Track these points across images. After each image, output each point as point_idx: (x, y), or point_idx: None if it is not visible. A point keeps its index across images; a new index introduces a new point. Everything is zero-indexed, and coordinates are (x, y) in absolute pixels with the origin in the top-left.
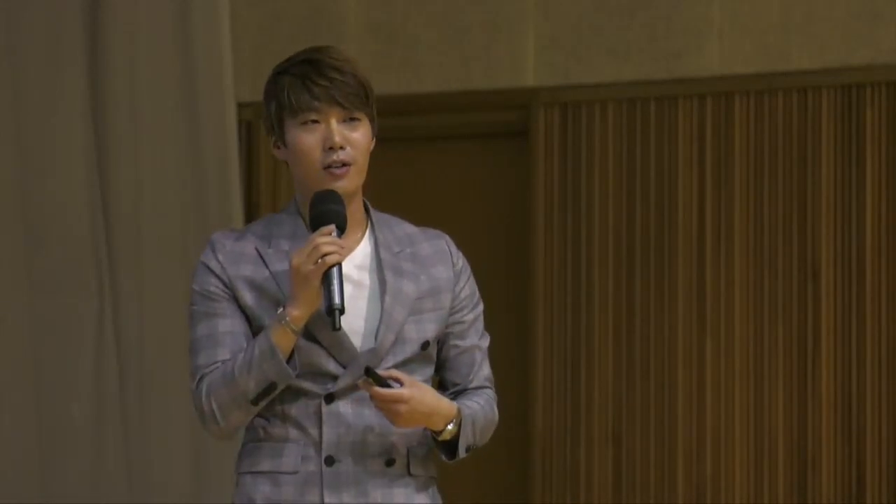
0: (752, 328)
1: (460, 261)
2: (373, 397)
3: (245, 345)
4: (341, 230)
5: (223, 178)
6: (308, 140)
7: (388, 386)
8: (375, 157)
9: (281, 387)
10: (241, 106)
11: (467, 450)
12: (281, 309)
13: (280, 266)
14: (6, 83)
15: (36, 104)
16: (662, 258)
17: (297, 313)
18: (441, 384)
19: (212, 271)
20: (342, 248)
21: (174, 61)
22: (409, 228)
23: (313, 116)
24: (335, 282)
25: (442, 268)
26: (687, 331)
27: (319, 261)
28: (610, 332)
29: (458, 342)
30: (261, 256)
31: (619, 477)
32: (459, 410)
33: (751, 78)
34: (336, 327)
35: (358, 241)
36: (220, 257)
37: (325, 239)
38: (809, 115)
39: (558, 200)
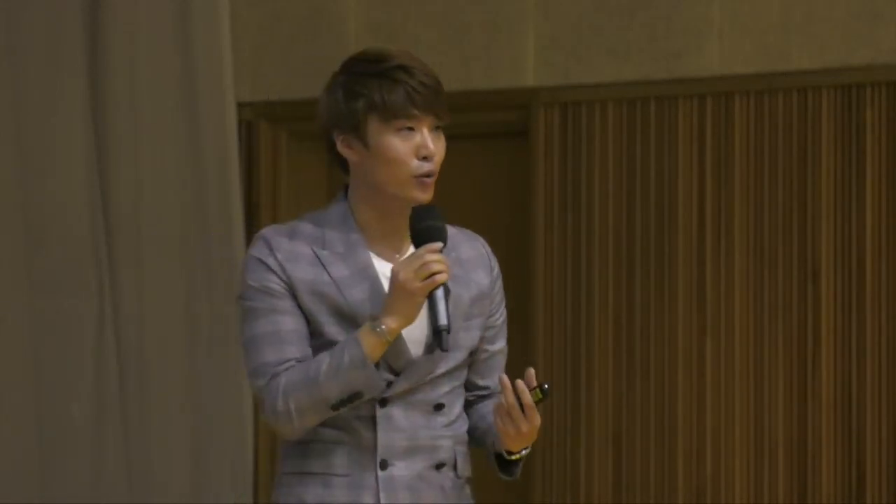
0: (752, 328)
1: (496, 265)
2: (526, 409)
3: (308, 347)
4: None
5: (223, 178)
6: (403, 147)
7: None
8: None
9: (367, 397)
10: (241, 106)
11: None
12: (375, 319)
13: (339, 271)
14: (6, 83)
15: (36, 104)
16: (662, 258)
17: (395, 326)
18: (466, 387)
19: (270, 268)
20: (448, 267)
21: (174, 61)
22: (449, 229)
23: (410, 124)
24: (441, 302)
25: (482, 273)
26: (687, 331)
27: (428, 279)
28: (610, 332)
29: (489, 347)
30: (318, 259)
31: (619, 477)
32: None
33: (751, 78)
34: (444, 349)
35: (409, 245)
36: (279, 256)
37: (434, 257)
38: (809, 115)
39: (558, 200)
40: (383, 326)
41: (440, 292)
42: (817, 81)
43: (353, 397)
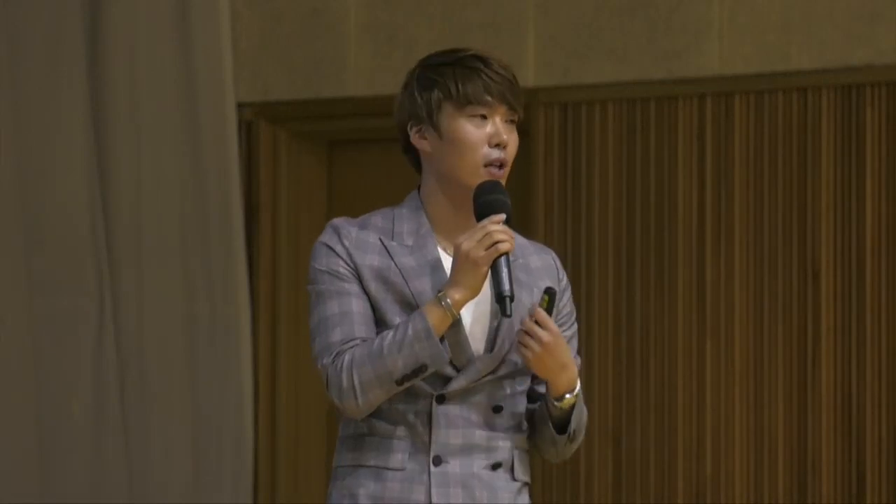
0: (752, 328)
1: (565, 278)
2: (531, 314)
3: (374, 330)
4: (508, 220)
5: (223, 178)
6: (476, 134)
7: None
8: (376, 158)
9: (432, 370)
10: (241, 106)
11: (570, 437)
12: (440, 292)
13: (406, 262)
14: (6, 83)
15: (36, 104)
16: (662, 258)
17: (459, 297)
18: (531, 397)
19: (337, 254)
20: (512, 237)
21: (174, 61)
22: (520, 239)
23: (483, 111)
24: (504, 269)
25: (549, 282)
26: (687, 331)
27: (491, 248)
28: (610, 332)
29: None
30: (386, 249)
31: (619, 477)
32: (579, 387)
33: (751, 78)
34: (508, 314)
35: None
36: (347, 243)
37: (497, 227)
38: (809, 115)
39: (558, 200)
40: (448, 299)
41: (503, 261)
42: (817, 81)
43: (418, 371)
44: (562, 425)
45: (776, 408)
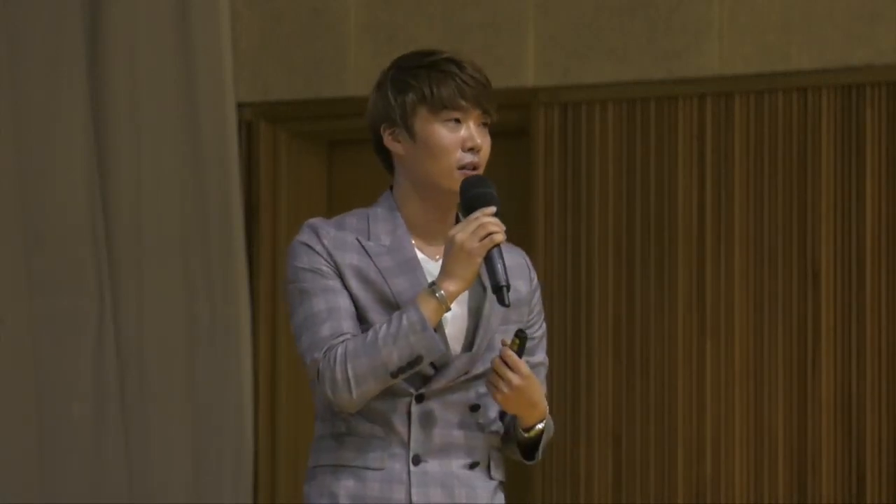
0: (752, 328)
1: (535, 277)
2: (502, 356)
3: (359, 327)
4: (497, 213)
5: (223, 179)
6: (450, 138)
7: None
8: (376, 158)
9: (427, 361)
10: (241, 106)
11: (536, 461)
12: (432, 283)
13: (384, 262)
14: (6, 83)
15: (36, 104)
16: (662, 258)
17: (454, 289)
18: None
19: (318, 253)
20: (503, 229)
21: (174, 61)
22: None
23: (457, 115)
24: (499, 260)
25: (522, 282)
26: (687, 331)
27: (485, 239)
28: (610, 332)
29: (528, 358)
30: (364, 249)
31: (619, 477)
32: (547, 415)
33: (751, 78)
34: (507, 304)
35: None
36: (326, 242)
37: (490, 219)
38: (809, 115)
39: (558, 200)
40: (442, 291)
41: (496, 253)
42: (817, 81)
43: (413, 363)
44: (530, 448)
45: (776, 408)
